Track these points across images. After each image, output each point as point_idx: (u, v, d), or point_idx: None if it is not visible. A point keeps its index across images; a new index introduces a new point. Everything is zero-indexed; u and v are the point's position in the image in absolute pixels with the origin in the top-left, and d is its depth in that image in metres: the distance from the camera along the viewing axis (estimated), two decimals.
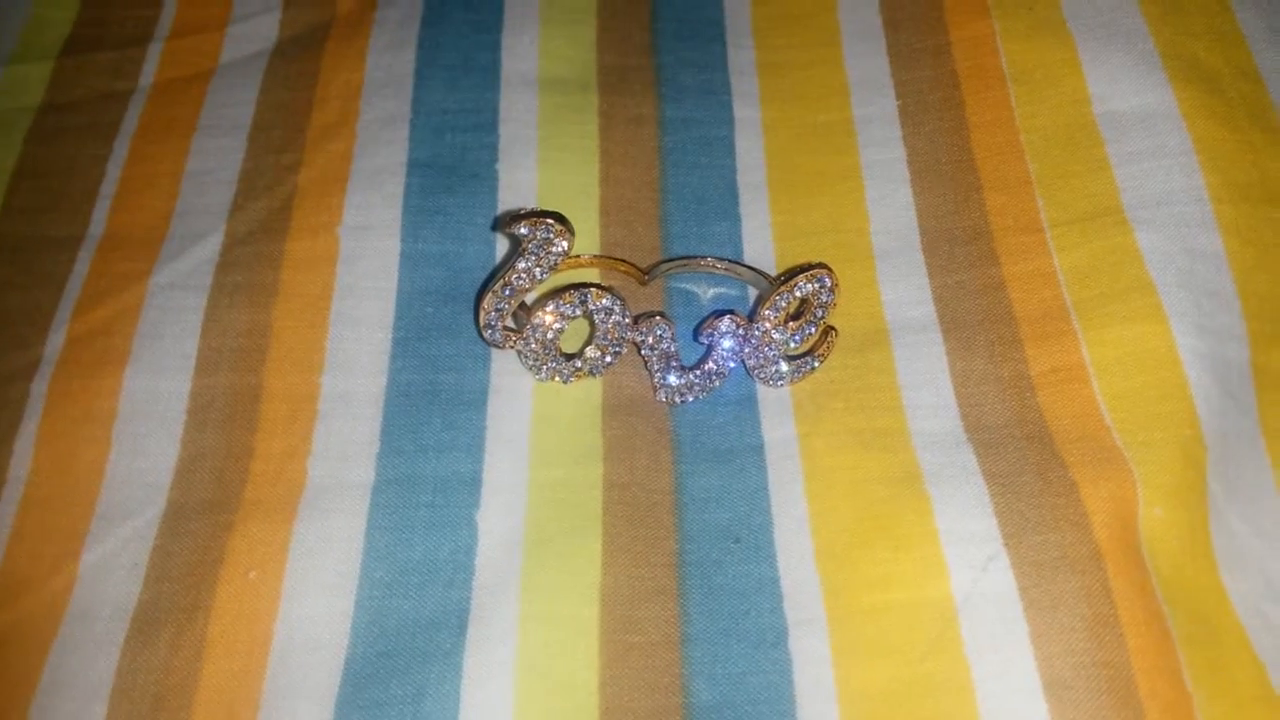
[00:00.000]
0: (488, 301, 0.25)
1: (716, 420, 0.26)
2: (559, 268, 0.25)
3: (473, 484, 0.25)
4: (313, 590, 0.23)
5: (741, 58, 0.32)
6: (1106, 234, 0.27)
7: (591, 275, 0.28)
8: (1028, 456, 0.24)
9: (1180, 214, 0.27)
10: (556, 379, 0.26)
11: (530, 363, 0.26)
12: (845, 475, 0.24)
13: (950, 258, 0.28)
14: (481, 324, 0.25)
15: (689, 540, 0.24)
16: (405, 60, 0.32)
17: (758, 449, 0.25)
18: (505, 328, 0.25)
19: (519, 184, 0.29)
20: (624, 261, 0.27)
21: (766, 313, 0.25)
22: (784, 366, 0.26)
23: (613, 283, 0.27)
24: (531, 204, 0.29)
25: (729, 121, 0.31)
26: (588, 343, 0.26)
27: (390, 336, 0.27)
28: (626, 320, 0.25)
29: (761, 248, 0.29)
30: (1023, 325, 0.27)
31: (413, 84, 0.31)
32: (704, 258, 0.27)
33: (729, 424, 0.26)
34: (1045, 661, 0.22)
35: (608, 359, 0.26)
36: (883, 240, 0.29)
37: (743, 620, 0.23)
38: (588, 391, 0.26)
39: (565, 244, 0.24)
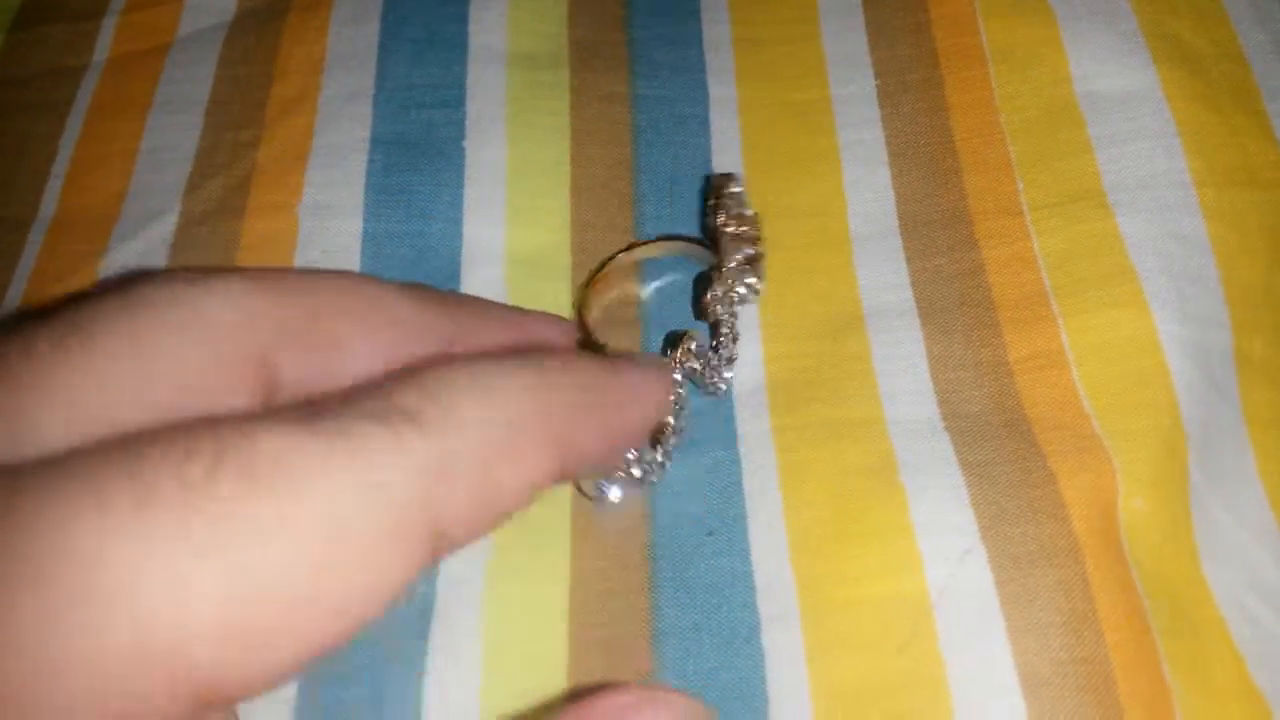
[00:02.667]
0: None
1: (689, 411, 0.25)
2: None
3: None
4: None
5: (717, 33, 0.32)
6: (1087, 218, 0.27)
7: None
8: (1005, 445, 0.24)
9: (1162, 198, 0.27)
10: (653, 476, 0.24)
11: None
12: (820, 467, 0.24)
13: (929, 241, 0.27)
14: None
15: (660, 533, 0.23)
16: (368, 33, 0.31)
17: (731, 440, 0.25)
18: (644, 461, 0.24)
19: (487, 162, 0.28)
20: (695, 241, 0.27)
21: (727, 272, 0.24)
22: (732, 313, 0.25)
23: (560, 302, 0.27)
24: (501, 181, 0.28)
25: (704, 99, 0.30)
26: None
27: None
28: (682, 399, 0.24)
29: None
30: (1001, 310, 0.26)
31: (376, 58, 0.30)
32: (632, 247, 0.26)
33: (702, 415, 0.25)
34: (1022, 658, 0.21)
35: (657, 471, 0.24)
36: (860, 224, 0.28)
37: (715, 615, 0.22)
38: None
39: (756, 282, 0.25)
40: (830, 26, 0.32)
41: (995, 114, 0.29)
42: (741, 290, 0.25)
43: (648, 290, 0.27)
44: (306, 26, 0.31)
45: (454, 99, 0.29)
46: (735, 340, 0.25)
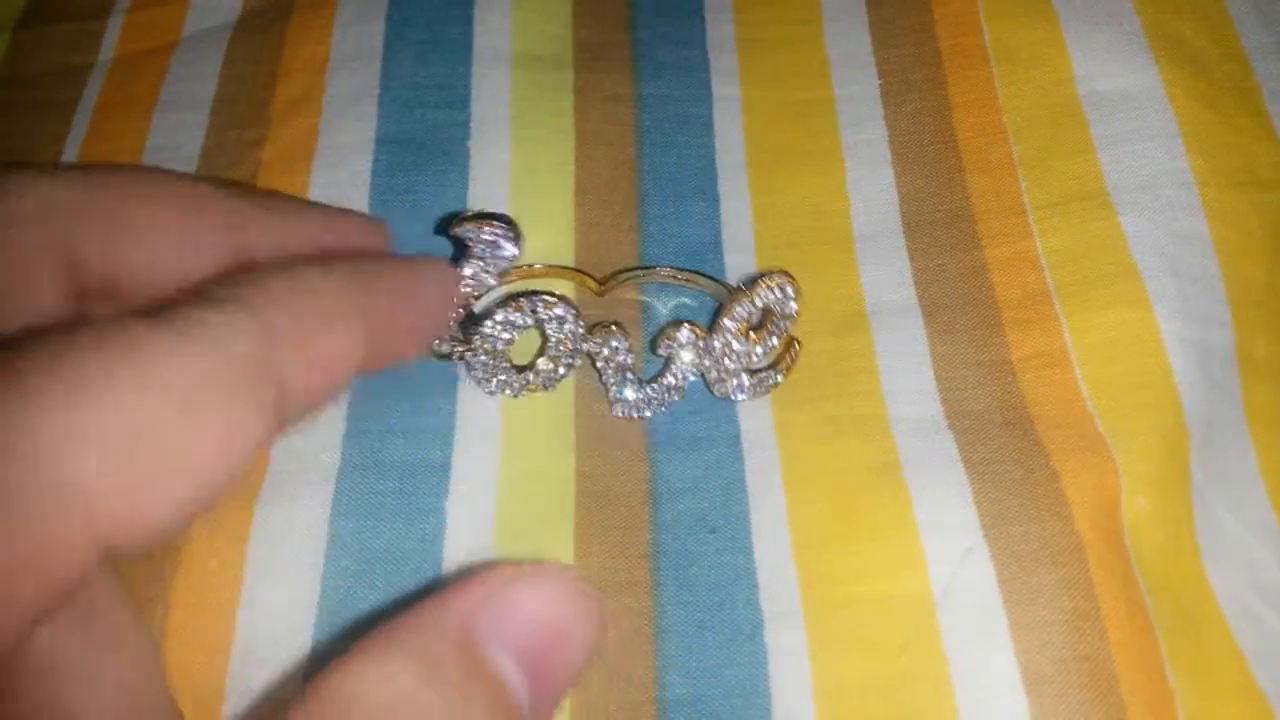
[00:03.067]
0: None
1: (692, 408, 0.25)
2: (509, 277, 0.24)
3: (442, 471, 0.24)
4: (276, 579, 0.23)
5: (721, 33, 0.32)
6: (1090, 217, 0.27)
7: (545, 285, 0.27)
8: (1008, 444, 0.24)
9: (1165, 198, 0.27)
10: (507, 392, 0.25)
11: (479, 375, 0.25)
12: (823, 464, 0.24)
13: (932, 241, 0.27)
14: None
15: (663, 531, 0.24)
16: (373, 33, 0.31)
17: (734, 438, 0.25)
18: (451, 338, 0.24)
19: (491, 162, 0.28)
20: (579, 271, 0.26)
21: (726, 323, 0.24)
22: (745, 380, 0.25)
23: (566, 293, 0.26)
24: (505, 182, 0.28)
25: (707, 99, 0.30)
26: (539, 354, 0.25)
27: None
28: (580, 330, 0.24)
29: (740, 229, 0.28)
30: (1005, 309, 0.26)
31: (381, 58, 0.30)
32: (661, 267, 0.26)
33: (705, 412, 0.25)
34: (1025, 655, 0.21)
35: (560, 371, 0.25)
36: (863, 223, 0.28)
37: (718, 612, 0.23)
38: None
39: (514, 248, 0.23)
40: (834, 26, 0.32)
41: (998, 113, 0.29)
42: (755, 357, 0.25)
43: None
44: (311, 26, 0.31)
45: (459, 100, 0.29)
46: (631, 377, 0.25)
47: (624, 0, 0.32)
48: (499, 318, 0.24)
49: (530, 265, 0.26)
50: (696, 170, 0.29)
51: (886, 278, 0.27)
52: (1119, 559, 0.22)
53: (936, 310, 0.26)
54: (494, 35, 0.31)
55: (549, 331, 0.24)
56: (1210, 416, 0.24)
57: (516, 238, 0.23)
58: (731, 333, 0.24)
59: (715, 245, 0.28)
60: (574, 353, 0.25)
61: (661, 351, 0.25)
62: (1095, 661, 0.21)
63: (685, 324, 0.24)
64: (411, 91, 0.30)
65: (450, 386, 0.25)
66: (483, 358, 0.24)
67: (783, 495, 0.24)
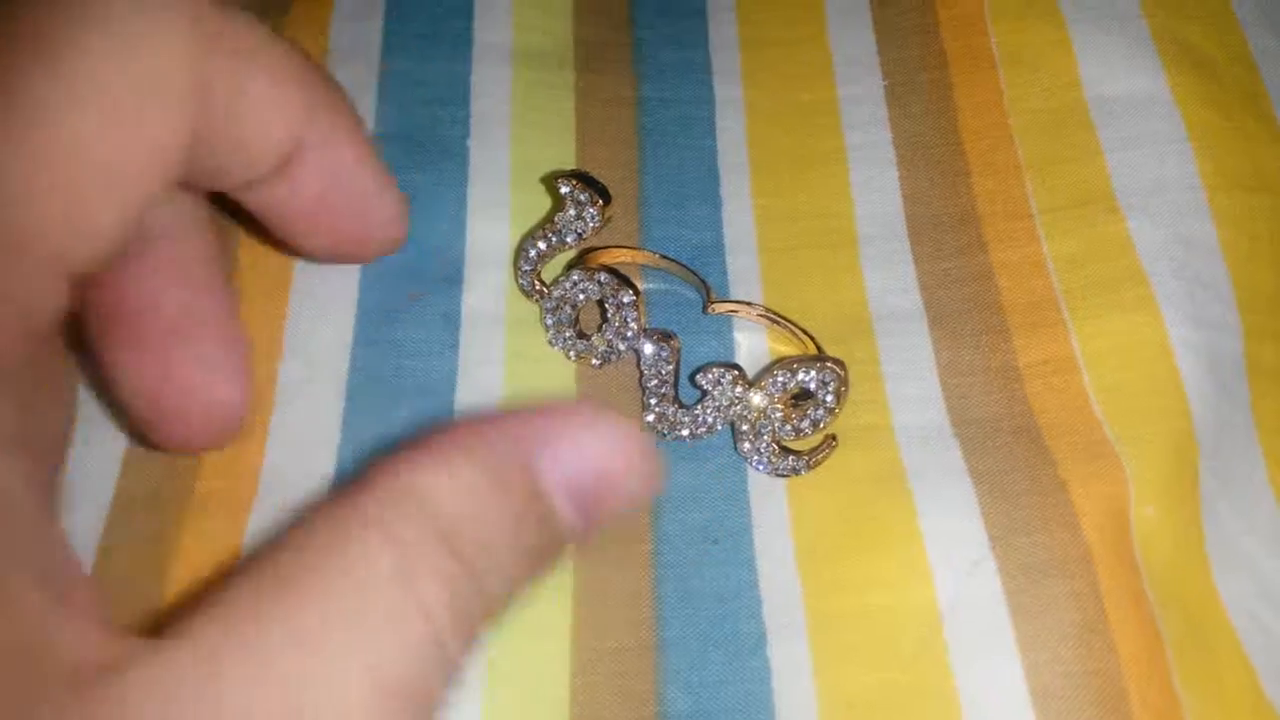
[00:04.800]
0: (527, 242, 0.25)
1: None
2: (624, 258, 0.25)
3: None
4: None
5: (723, 34, 0.31)
6: (1098, 221, 0.26)
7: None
8: (1016, 453, 0.24)
9: (1173, 202, 0.26)
10: (570, 354, 0.25)
11: (549, 324, 0.25)
12: (827, 474, 0.24)
13: (937, 244, 0.27)
14: (518, 265, 0.25)
15: (664, 542, 0.23)
16: (372, 28, 0.30)
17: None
18: (539, 277, 0.25)
19: (491, 161, 0.28)
20: (697, 276, 0.26)
21: (761, 387, 0.23)
22: (770, 450, 0.24)
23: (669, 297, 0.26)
24: (505, 181, 0.28)
25: (710, 101, 0.30)
26: (597, 330, 0.25)
27: (353, 319, 0.26)
28: (634, 324, 0.24)
29: (743, 232, 0.28)
30: (1011, 315, 0.26)
31: (380, 53, 0.30)
32: (757, 305, 0.26)
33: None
34: (1033, 670, 0.21)
35: (612, 355, 0.25)
36: (867, 226, 0.28)
37: (720, 625, 0.22)
38: (559, 385, 0.25)
39: (595, 212, 0.24)
40: (838, 27, 0.31)
41: (1004, 116, 0.29)
42: (785, 433, 0.24)
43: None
44: (308, 21, 0.31)
45: (459, 96, 0.29)
46: (667, 392, 0.24)
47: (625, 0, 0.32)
48: (575, 277, 0.24)
49: (654, 253, 0.26)
50: (699, 173, 0.28)
51: (891, 282, 0.27)
52: (1128, 570, 0.22)
53: (942, 315, 0.26)
54: (495, 31, 0.30)
55: (610, 312, 0.24)
56: (1219, 424, 0.24)
57: (601, 204, 0.24)
58: (768, 399, 0.24)
59: (717, 248, 0.27)
60: (624, 339, 0.24)
61: (700, 382, 0.24)
62: (1104, 676, 0.21)
63: (729, 368, 0.24)
64: (411, 87, 0.29)
65: (447, 390, 0.25)
66: (550, 306, 0.25)
67: (785, 506, 0.23)
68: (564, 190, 0.24)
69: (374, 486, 0.15)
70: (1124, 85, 0.28)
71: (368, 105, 0.29)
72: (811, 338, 0.25)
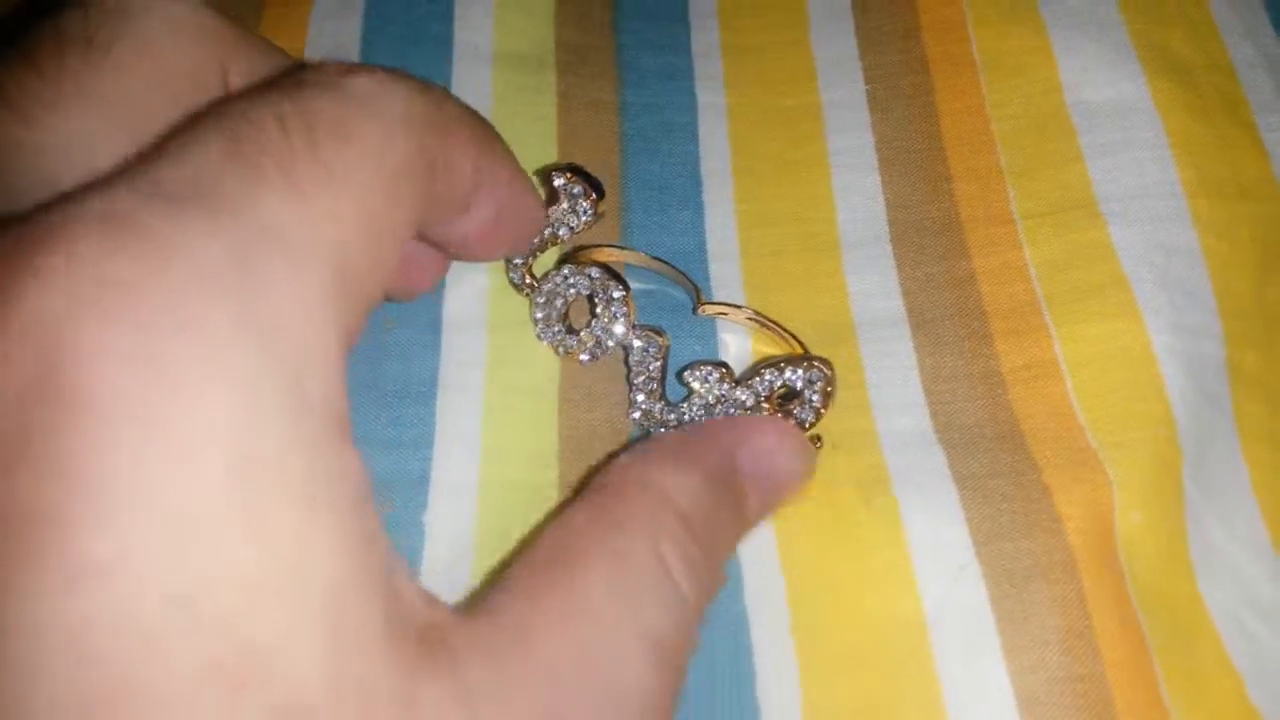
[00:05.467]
0: None
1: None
2: (614, 258, 0.25)
3: (420, 483, 0.23)
4: None
5: (706, 39, 0.31)
6: (1079, 227, 0.26)
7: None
8: (1000, 458, 0.24)
9: (1154, 208, 0.26)
10: (560, 350, 0.25)
11: (538, 318, 0.25)
12: (813, 480, 0.23)
13: (920, 250, 0.27)
14: (509, 259, 0.25)
15: None
16: (351, 29, 0.30)
17: None
18: (529, 272, 0.25)
19: None
20: (686, 278, 0.26)
21: (748, 386, 0.23)
22: None
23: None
24: None
25: (692, 106, 0.30)
26: (585, 325, 0.25)
27: None
28: (621, 318, 0.24)
29: (725, 237, 0.27)
30: (994, 320, 0.26)
31: (359, 54, 0.29)
32: (746, 308, 0.26)
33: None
34: (1018, 677, 0.21)
35: (600, 351, 0.25)
36: (850, 231, 0.28)
37: (705, 632, 0.22)
38: (543, 386, 0.25)
39: (589, 206, 0.25)
40: (820, 32, 0.31)
41: (986, 121, 0.29)
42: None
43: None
44: (286, 20, 0.30)
45: None
46: (655, 388, 0.24)
47: (608, 3, 0.32)
48: (565, 271, 0.24)
49: (643, 253, 0.26)
50: (681, 177, 0.28)
51: (874, 287, 0.27)
52: (1112, 575, 0.22)
53: (924, 321, 0.26)
54: (475, 32, 0.30)
55: (599, 307, 0.24)
56: (1202, 430, 0.24)
57: (597, 199, 0.24)
58: (757, 394, 0.23)
59: (700, 253, 0.27)
60: (610, 333, 0.24)
61: (688, 379, 0.24)
62: (1089, 681, 0.21)
63: (717, 366, 0.23)
64: None
65: (429, 394, 0.25)
66: (541, 300, 0.25)
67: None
68: (558, 183, 0.24)
69: (622, 485, 0.19)
70: (1105, 92, 0.28)
71: None
72: (799, 341, 0.25)
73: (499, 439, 0.24)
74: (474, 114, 0.20)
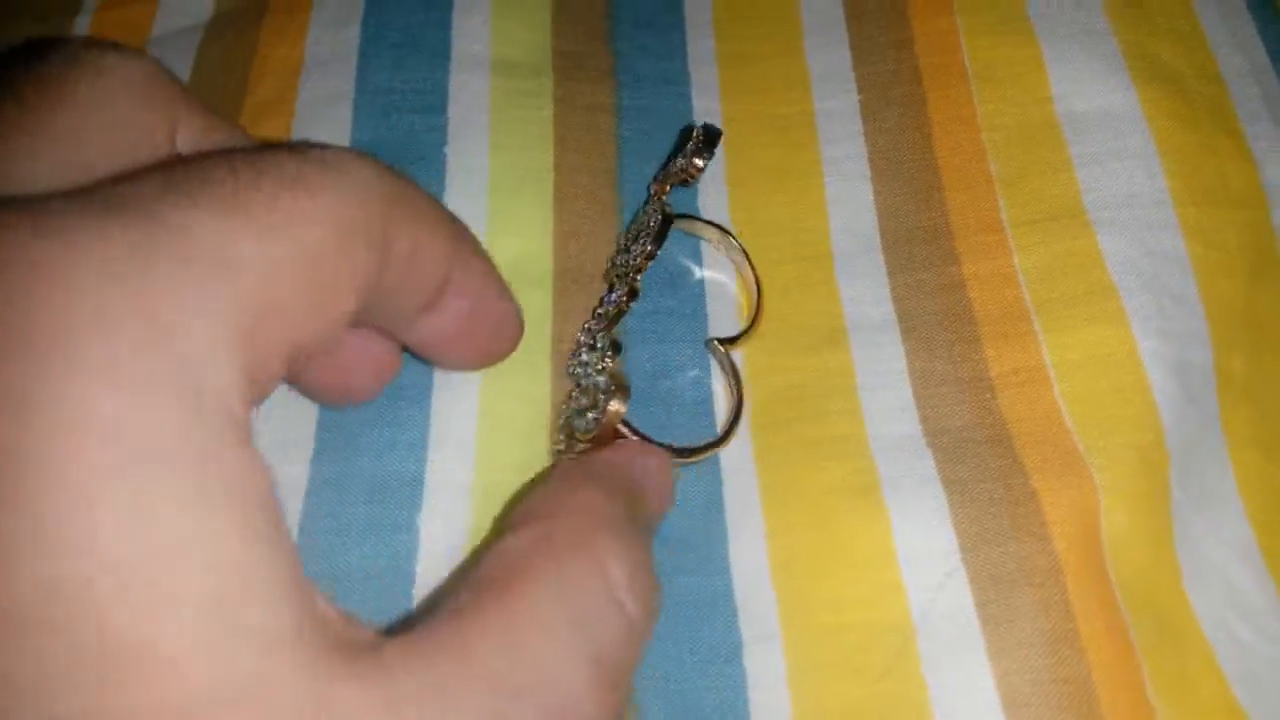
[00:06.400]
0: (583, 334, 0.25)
1: (670, 426, 0.25)
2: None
3: (414, 485, 0.24)
4: None
5: (701, 47, 0.32)
6: (1068, 235, 0.27)
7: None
8: (988, 462, 0.24)
9: (1143, 216, 0.27)
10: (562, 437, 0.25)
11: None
12: (803, 486, 0.24)
13: (910, 257, 0.27)
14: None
15: None
16: (349, 37, 0.30)
17: (713, 458, 0.24)
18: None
19: (469, 168, 0.28)
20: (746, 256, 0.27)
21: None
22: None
23: None
24: (483, 188, 0.28)
25: (688, 113, 0.30)
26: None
27: None
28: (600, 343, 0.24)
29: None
30: (983, 325, 0.26)
31: (356, 62, 0.30)
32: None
33: (683, 432, 0.25)
34: (1003, 679, 0.21)
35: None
36: (842, 238, 0.28)
37: (696, 633, 0.22)
38: (537, 390, 0.25)
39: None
40: (813, 42, 0.31)
41: (977, 131, 0.29)
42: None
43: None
44: (284, 28, 0.31)
45: (436, 104, 0.29)
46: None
47: (604, 12, 0.32)
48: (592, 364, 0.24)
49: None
50: (677, 186, 0.29)
51: (865, 294, 0.27)
52: (1098, 579, 0.22)
53: (915, 326, 0.26)
54: (473, 41, 0.30)
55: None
56: (1189, 434, 0.24)
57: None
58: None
59: (694, 259, 0.27)
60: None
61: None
62: (1075, 683, 0.21)
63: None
64: (387, 96, 0.29)
65: (423, 397, 0.25)
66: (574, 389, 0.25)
67: (762, 517, 0.23)
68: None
69: (557, 510, 0.19)
70: (1094, 101, 0.29)
71: (344, 113, 0.29)
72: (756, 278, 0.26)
73: (493, 443, 0.24)
74: (448, 211, 0.20)
